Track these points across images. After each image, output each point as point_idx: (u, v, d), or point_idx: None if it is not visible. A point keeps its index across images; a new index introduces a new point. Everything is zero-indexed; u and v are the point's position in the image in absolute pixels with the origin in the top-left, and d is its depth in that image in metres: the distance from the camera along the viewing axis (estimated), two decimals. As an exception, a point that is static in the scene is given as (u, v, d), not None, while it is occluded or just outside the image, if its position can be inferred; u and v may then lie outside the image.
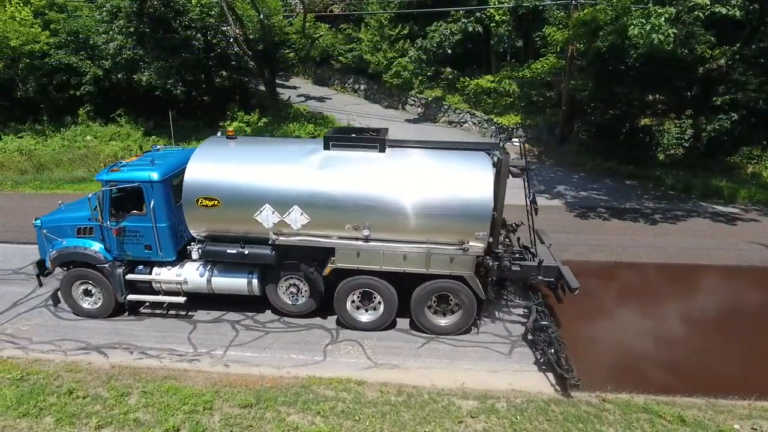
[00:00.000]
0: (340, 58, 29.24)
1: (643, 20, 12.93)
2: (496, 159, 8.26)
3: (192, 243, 8.88)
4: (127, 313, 9.43)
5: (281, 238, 8.36)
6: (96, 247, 8.88)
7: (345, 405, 7.11)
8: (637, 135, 19.26)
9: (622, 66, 17.50)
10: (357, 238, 8.27)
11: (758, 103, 16.42)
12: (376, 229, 8.19)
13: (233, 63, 24.06)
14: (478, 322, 8.87)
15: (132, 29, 19.57)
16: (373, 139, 8.69)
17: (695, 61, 17.25)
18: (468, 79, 23.33)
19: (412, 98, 25.81)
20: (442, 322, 8.79)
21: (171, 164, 8.88)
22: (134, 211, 8.72)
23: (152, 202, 8.48)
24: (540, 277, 8.73)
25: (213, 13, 20.91)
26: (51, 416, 6.88)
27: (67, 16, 22.94)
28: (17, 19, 21.15)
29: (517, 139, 9.03)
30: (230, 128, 9.22)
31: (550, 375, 7.77)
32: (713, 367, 8.17)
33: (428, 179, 8.18)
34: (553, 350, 7.70)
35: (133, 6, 19.01)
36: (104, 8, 20.32)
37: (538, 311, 8.51)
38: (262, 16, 20.83)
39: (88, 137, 21.44)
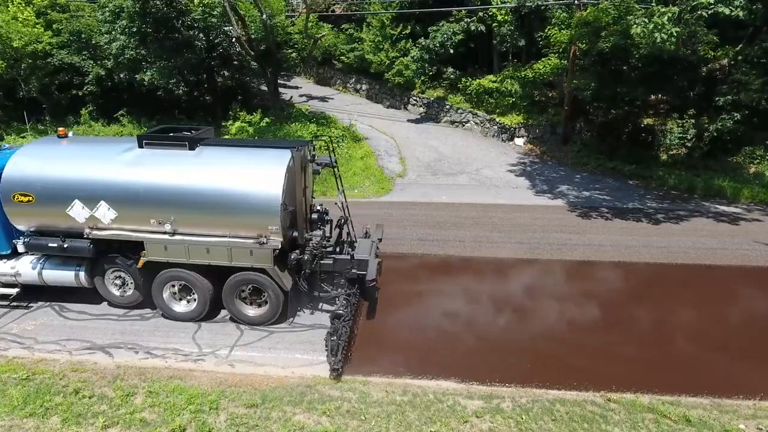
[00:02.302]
0: (342, 57, 29.22)
1: (646, 19, 12.93)
2: (293, 155, 8.61)
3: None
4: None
5: (95, 232, 8.82)
6: None
7: (350, 405, 7.12)
8: (640, 135, 19.24)
9: (625, 66, 17.49)
10: (164, 232, 8.68)
11: (761, 103, 16.39)
12: (181, 224, 8.64)
13: (235, 63, 24.05)
14: (297, 312, 9.38)
15: (134, 29, 19.57)
16: (183, 138, 9.10)
17: (698, 61, 17.23)
18: (470, 78, 23.32)
19: (414, 98, 25.80)
20: (251, 312, 9.15)
21: (3, 161, 9.20)
22: None
23: None
24: (354, 271, 9.08)
25: (215, 13, 20.89)
26: (57, 416, 6.90)
27: (70, 16, 22.94)
28: (19, 19, 21.19)
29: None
30: (62, 128, 9.68)
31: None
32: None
33: (226, 176, 8.58)
34: (335, 338, 7.92)
35: (135, 6, 19.00)
36: (107, 8, 20.31)
37: (344, 301, 8.68)
38: (264, 17, 20.83)
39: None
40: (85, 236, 8.82)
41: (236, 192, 8.42)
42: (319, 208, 9.99)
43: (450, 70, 24.24)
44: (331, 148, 9.78)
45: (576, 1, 18.26)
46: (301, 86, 31.96)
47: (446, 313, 9.84)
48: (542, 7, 19.86)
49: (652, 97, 19.39)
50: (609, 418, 6.88)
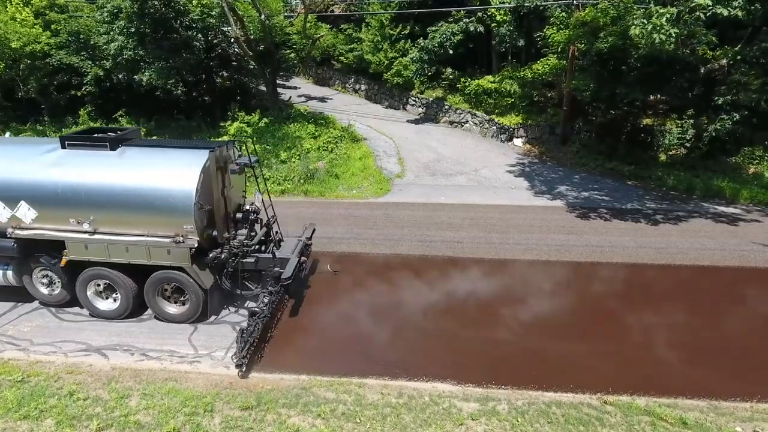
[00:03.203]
0: (341, 58, 29.21)
1: (644, 20, 12.89)
2: (210, 156, 8.68)
3: None
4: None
5: (17, 231, 8.93)
6: None
7: (345, 407, 7.10)
8: (639, 135, 19.20)
9: (624, 66, 17.45)
10: (84, 232, 8.77)
11: (760, 104, 16.36)
12: (101, 223, 8.75)
13: (234, 63, 24.02)
14: (223, 309, 9.57)
15: (133, 30, 19.55)
16: (105, 139, 9.15)
17: (697, 61, 17.19)
18: (469, 79, 23.30)
19: (413, 98, 25.78)
20: (172, 310, 9.26)
21: None
22: None
23: None
24: (277, 269, 9.24)
25: (214, 13, 20.87)
26: (52, 418, 6.88)
27: (68, 16, 22.91)
28: (18, 19, 21.16)
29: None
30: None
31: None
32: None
33: (144, 176, 8.66)
34: (244, 334, 7.94)
35: (134, 6, 18.98)
36: (105, 9, 20.29)
37: (266, 299, 8.79)
38: (263, 17, 20.81)
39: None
40: (8, 236, 8.97)
41: (153, 191, 8.54)
42: (248, 207, 10.04)
43: (449, 70, 24.22)
44: (252, 150, 9.91)
45: (575, 1, 18.23)
46: (300, 86, 31.96)
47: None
48: (541, 8, 19.82)
49: (651, 97, 19.36)
50: (605, 420, 6.86)
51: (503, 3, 20.92)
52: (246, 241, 9.45)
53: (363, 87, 29.41)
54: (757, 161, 18.20)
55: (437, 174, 18.44)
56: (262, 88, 25.16)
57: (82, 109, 22.75)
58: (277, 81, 26.27)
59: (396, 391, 7.45)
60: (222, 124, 20.85)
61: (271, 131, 20.61)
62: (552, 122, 21.16)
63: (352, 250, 12.47)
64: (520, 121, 21.52)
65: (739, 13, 12.98)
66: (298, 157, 18.42)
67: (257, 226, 10.11)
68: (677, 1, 13.32)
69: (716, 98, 16.97)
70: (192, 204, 8.34)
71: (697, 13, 12.75)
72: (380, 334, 9.13)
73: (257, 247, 9.77)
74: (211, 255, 9.01)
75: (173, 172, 8.59)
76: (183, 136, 21.42)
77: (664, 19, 12.41)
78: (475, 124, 22.94)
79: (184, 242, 8.56)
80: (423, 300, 10.36)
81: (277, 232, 10.45)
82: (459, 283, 11.19)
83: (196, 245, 8.66)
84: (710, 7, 12.32)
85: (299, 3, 26.81)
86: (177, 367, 8.09)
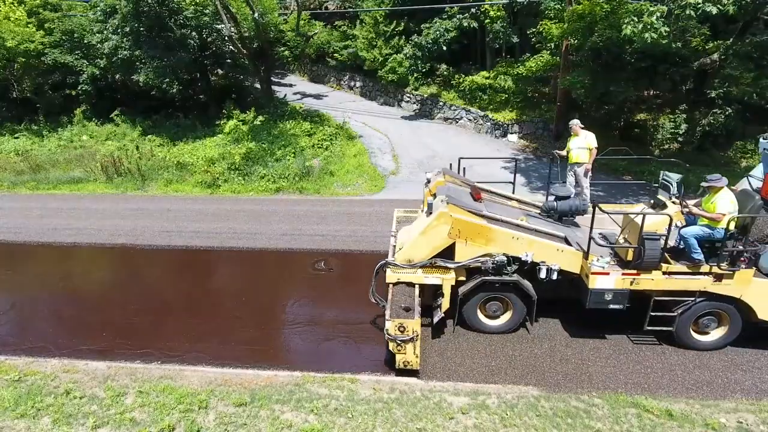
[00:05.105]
0: (336, 55, 29.20)
1: (636, 18, 12.95)
2: None
3: None
4: None
5: None
6: None
7: (338, 402, 7.21)
8: (632, 130, 19.30)
9: (617, 62, 17.50)
10: None
11: (752, 98, 16.45)
12: None
13: (229, 61, 24.02)
14: None
15: (127, 29, 19.54)
16: None
17: (690, 54, 17.24)
18: (463, 75, 23.35)
19: (408, 95, 25.82)
20: None
21: None
22: None
23: None
24: None
25: (207, 11, 20.87)
26: (48, 417, 6.98)
27: (62, 15, 22.88)
28: (11, 19, 21.13)
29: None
30: None
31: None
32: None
33: None
34: None
35: (128, 5, 18.97)
36: (98, 8, 20.28)
37: None
38: (256, 15, 20.80)
39: (84, 137, 21.48)
40: None
41: None
42: None
43: (443, 66, 24.27)
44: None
45: (568, -4, 18.23)
46: (295, 84, 31.94)
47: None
48: (534, 2, 19.85)
49: (645, 93, 19.44)
50: (592, 413, 6.98)
51: (497, -1, 20.96)
52: None
53: (358, 84, 29.42)
54: (749, 155, 18.29)
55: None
56: (257, 86, 25.18)
57: (77, 109, 22.78)
58: (272, 79, 26.30)
59: (388, 387, 7.56)
60: (217, 122, 20.90)
61: (266, 129, 20.66)
62: (546, 118, 21.23)
63: (346, 247, 12.57)
64: (515, 117, 21.59)
65: (731, 9, 13.07)
66: (293, 155, 18.49)
67: None
68: (667, -1, 13.39)
69: (708, 91, 17.05)
70: None
71: (688, 12, 12.83)
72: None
73: None
74: None
75: None
76: (178, 134, 21.46)
77: (654, 18, 12.48)
78: (470, 120, 23.01)
79: None
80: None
81: None
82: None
83: None
84: (700, 5, 12.40)
85: (293, 0, 26.79)
86: (172, 365, 8.19)
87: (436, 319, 8.41)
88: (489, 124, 22.12)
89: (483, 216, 8.25)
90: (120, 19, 19.49)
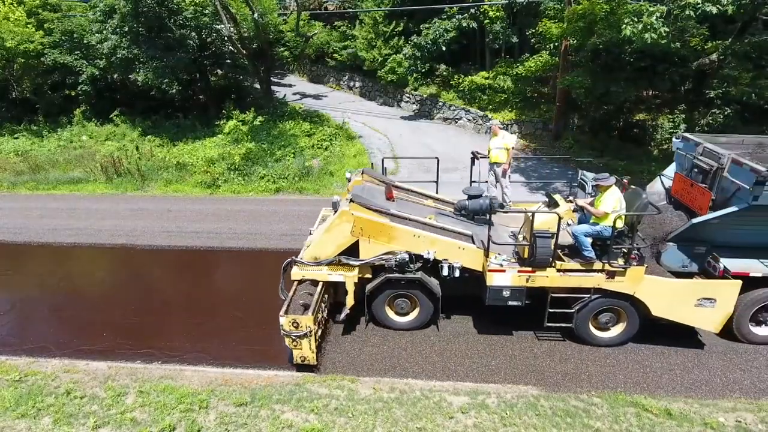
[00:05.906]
0: (335, 55, 29.21)
1: (635, 19, 12.98)
2: None
3: None
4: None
5: None
6: None
7: (338, 402, 7.24)
8: (632, 130, 19.33)
9: (617, 62, 17.54)
10: None
11: (751, 98, 16.48)
12: None
13: (228, 62, 24.04)
14: None
15: (126, 29, 19.55)
16: None
17: (689, 55, 17.27)
18: (463, 75, 23.36)
19: (407, 95, 25.85)
20: None
21: None
22: None
23: None
24: None
25: (207, 12, 20.88)
26: (49, 416, 7.00)
27: (61, 15, 22.89)
28: (11, 19, 21.13)
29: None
30: None
31: None
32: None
33: None
34: None
35: (128, 5, 18.98)
36: (98, 8, 20.28)
37: None
38: (256, 15, 20.82)
39: (84, 137, 21.49)
40: None
41: None
42: None
43: (443, 67, 24.29)
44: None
45: (567, -5, 18.25)
46: (295, 84, 31.95)
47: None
48: (534, 3, 19.86)
49: (644, 93, 19.46)
50: (592, 412, 7.01)
51: (496, -1, 20.98)
52: None
53: (357, 84, 29.44)
54: (748, 155, 18.33)
55: (431, 171, 18.50)
56: (257, 86, 25.19)
57: (76, 109, 22.78)
58: (272, 79, 26.30)
59: (388, 386, 7.58)
60: (217, 122, 20.92)
61: (266, 129, 20.68)
62: (545, 118, 21.26)
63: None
64: (514, 117, 21.62)
65: (730, 8, 13.10)
66: (292, 155, 18.50)
67: None
68: (666, -1, 13.43)
69: (707, 92, 17.08)
70: None
71: (688, 12, 12.86)
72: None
73: None
74: None
75: None
76: (178, 135, 21.47)
77: (654, 18, 12.51)
78: (469, 120, 23.03)
79: None
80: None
81: None
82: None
83: None
84: (699, 6, 12.43)
85: (292, 0, 26.81)
86: (173, 365, 8.21)
87: (342, 316, 8.69)
88: (488, 123, 22.14)
89: (386, 214, 8.39)
90: (119, 19, 19.49)
